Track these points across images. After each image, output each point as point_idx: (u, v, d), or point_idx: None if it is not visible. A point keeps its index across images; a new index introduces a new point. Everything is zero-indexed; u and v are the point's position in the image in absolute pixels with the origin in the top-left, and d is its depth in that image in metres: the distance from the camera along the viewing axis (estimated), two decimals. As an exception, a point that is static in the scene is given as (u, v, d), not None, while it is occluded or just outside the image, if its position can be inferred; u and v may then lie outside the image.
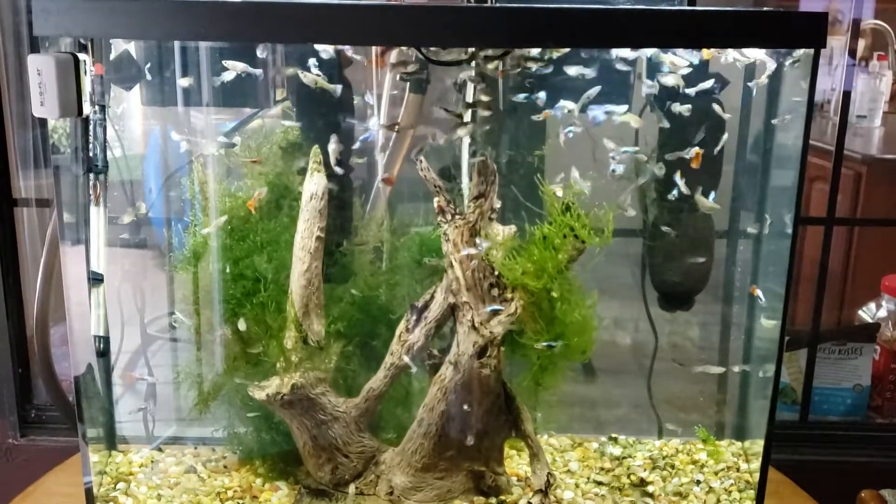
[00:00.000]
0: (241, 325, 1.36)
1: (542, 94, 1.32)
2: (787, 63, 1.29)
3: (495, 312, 1.30)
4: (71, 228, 1.30)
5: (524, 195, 1.37)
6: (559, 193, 1.30)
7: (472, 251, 1.27)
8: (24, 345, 1.80)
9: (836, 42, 1.93)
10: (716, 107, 1.33)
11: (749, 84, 1.36)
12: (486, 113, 1.37)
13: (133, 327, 1.57)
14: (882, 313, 1.89)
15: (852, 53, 1.74)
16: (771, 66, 1.31)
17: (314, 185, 1.33)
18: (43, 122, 1.70)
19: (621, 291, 1.61)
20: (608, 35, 1.13)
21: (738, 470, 1.46)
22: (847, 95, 1.70)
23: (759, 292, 1.37)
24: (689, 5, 1.57)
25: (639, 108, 1.44)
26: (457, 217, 1.32)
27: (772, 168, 1.43)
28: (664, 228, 1.41)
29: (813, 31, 1.14)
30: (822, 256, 1.76)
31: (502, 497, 1.38)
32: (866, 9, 2.15)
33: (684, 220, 1.43)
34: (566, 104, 1.28)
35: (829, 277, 1.78)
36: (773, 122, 1.38)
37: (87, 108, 1.19)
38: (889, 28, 2.86)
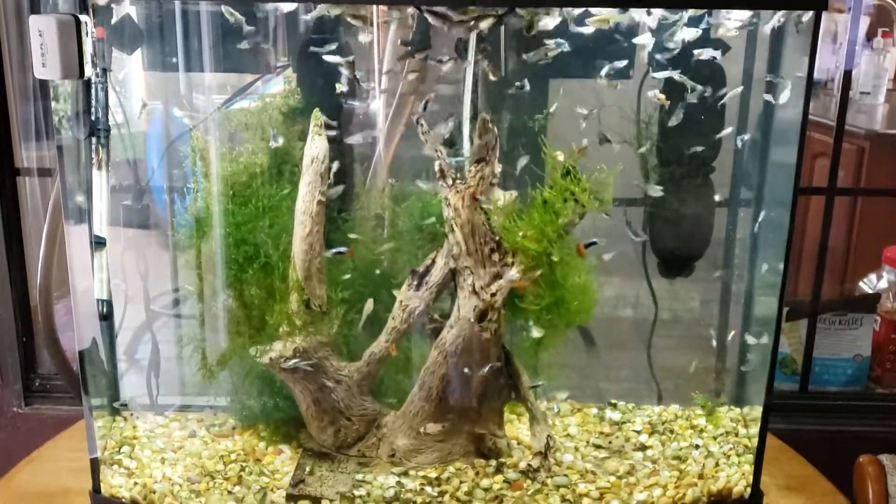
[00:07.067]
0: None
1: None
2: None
3: (497, 277, 1.30)
4: (73, 197, 1.31)
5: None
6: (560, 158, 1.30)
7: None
8: (28, 314, 1.81)
9: (841, 18, 1.92)
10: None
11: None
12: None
13: (137, 304, 1.57)
14: (883, 284, 1.89)
15: (855, 30, 1.73)
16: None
17: (315, 148, 1.33)
18: (45, 93, 1.70)
19: (622, 261, 1.62)
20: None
21: (736, 435, 1.47)
22: (848, 71, 1.70)
23: None
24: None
25: (640, 76, 1.44)
26: (458, 182, 1.32)
27: (772, 138, 1.43)
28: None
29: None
30: (823, 227, 1.76)
31: (502, 459, 1.39)
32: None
33: (684, 185, 1.43)
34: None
35: (832, 250, 1.78)
36: (768, 90, 1.38)
37: (88, 70, 1.19)
38: (895, 5, 2.85)
